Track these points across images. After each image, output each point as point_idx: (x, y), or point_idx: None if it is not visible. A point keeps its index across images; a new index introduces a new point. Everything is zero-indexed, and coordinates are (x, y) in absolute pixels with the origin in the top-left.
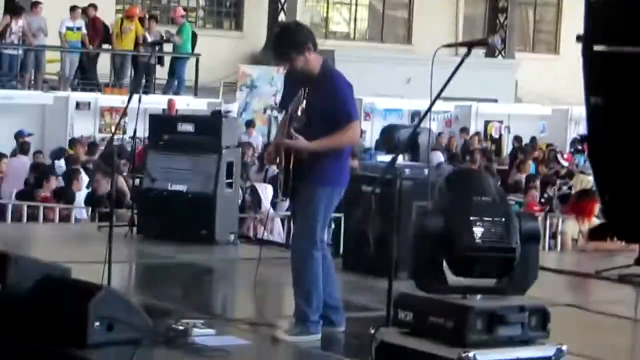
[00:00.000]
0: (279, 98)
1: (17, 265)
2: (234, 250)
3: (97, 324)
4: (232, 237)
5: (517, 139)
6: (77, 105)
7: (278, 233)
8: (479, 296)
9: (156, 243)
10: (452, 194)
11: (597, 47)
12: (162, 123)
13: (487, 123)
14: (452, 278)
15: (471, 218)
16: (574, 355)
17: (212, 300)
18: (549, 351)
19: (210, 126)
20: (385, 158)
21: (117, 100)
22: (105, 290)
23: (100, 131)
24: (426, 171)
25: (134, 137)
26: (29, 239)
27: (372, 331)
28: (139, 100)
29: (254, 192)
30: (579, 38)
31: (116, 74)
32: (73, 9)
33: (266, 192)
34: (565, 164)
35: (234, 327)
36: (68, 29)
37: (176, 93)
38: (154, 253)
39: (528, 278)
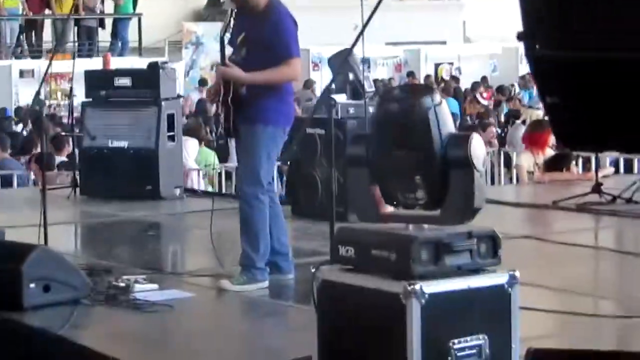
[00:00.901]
0: None
1: None
2: (180, 205)
3: (32, 285)
4: (177, 191)
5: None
6: (21, 73)
7: None
8: (426, 226)
9: (100, 202)
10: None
11: None
12: (98, 79)
13: (437, 66)
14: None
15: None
16: (535, 285)
17: (157, 255)
18: (502, 278)
19: (147, 79)
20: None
21: (61, 65)
22: (39, 250)
23: (46, 98)
24: (370, 109)
25: (70, 95)
26: None
27: (313, 270)
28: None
29: None
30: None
31: (58, 39)
32: None
33: (187, 145)
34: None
35: (178, 280)
36: None
37: (120, 55)
38: (98, 212)
39: (465, 207)
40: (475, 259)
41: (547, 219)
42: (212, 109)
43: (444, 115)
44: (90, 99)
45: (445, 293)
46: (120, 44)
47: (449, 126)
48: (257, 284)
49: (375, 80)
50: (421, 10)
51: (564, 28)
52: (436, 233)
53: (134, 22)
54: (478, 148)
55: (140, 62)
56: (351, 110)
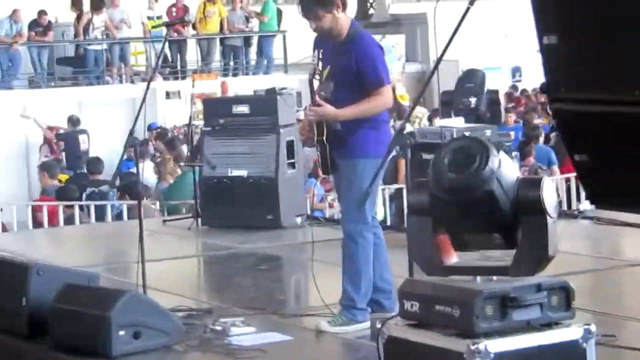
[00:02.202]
0: None
1: (40, 276)
2: (302, 234)
3: (121, 332)
4: (299, 219)
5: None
6: (167, 94)
7: None
8: (494, 278)
9: (220, 233)
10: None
11: None
12: (216, 107)
13: None
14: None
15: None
16: None
17: (264, 292)
18: (575, 333)
19: (265, 105)
20: (446, 122)
21: (207, 85)
22: (129, 295)
23: (193, 119)
24: (488, 132)
25: (189, 125)
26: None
27: (379, 325)
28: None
29: None
30: None
31: (203, 59)
32: None
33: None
34: None
35: (279, 321)
36: (149, 18)
37: (266, 72)
38: (216, 245)
39: (537, 256)
40: (545, 312)
41: None
42: None
43: (507, 173)
44: (209, 128)
45: (513, 352)
46: (265, 62)
47: (514, 175)
48: (357, 325)
49: (522, 90)
50: None
51: (588, 81)
52: (502, 286)
53: (279, 39)
54: (550, 192)
55: (286, 80)
56: (467, 135)
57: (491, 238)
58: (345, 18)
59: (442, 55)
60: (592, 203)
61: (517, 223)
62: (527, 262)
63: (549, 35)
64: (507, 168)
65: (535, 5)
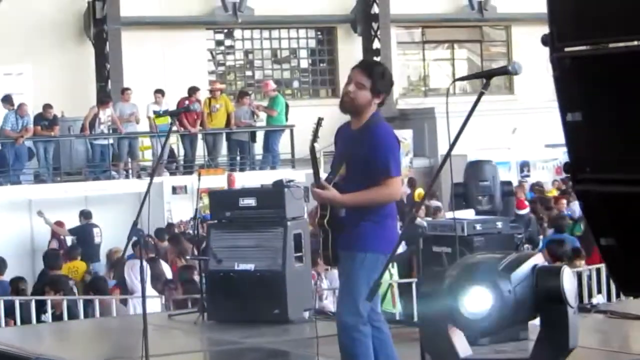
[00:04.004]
0: None
1: None
2: (309, 329)
3: None
4: (306, 314)
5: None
6: (174, 189)
7: None
8: None
9: (227, 327)
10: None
11: (570, 49)
12: (223, 199)
13: None
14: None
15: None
16: None
17: None
18: None
19: (272, 198)
20: (458, 214)
21: (214, 180)
22: None
23: (199, 213)
24: (500, 224)
25: (194, 218)
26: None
27: None
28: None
29: None
30: (544, 41)
31: (210, 153)
32: (156, 92)
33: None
34: None
35: None
36: (155, 113)
37: (272, 167)
38: (222, 339)
39: (556, 348)
40: None
41: None
42: None
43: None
44: (215, 221)
45: None
46: (271, 157)
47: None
48: None
49: (533, 185)
50: None
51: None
52: None
53: (287, 134)
54: (570, 282)
55: (293, 174)
56: (478, 227)
57: None
58: (374, 109)
59: (452, 148)
60: (621, 290)
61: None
62: (548, 354)
63: (573, 112)
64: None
65: (558, 81)
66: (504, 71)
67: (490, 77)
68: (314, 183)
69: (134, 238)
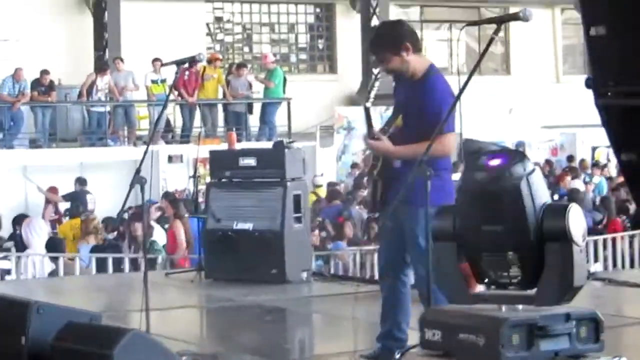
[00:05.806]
0: None
1: (39, 313)
2: (307, 289)
3: None
4: (304, 275)
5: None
6: (170, 158)
7: None
8: (520, 306)
9: (225, 286)
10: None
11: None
12: (223, 159)
13: (594, 149)
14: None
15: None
16: None
17: (269, 342)
18: None
19: (273, 158)
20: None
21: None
22: (131, 334)
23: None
24: None
25: (194, 176)
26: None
27: (397, 356)
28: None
29: None
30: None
31: (206, 124)
32: (154, 61)
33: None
34: None
35: None
36: (152, 82)
37: (269, 139)
38: (221, 296)
39: (563, 285)
40: (574, 343)
41: None
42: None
43: (538, 185)
44: (215, 180)
45: None
46: (267, 129)
47: (544, 196)
48: None
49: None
50: (577, 93)
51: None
52: (530, 315)
53: (283, 107)
54: (577, 220)
55: None
56: None
57: (511, 275)
58: (417, 60)
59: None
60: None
61: (540, 256)
62: (552, 290)
63: (597, 26)
64: (539, 181)
65: None
66: (515, 17)
67: (501, 23)
68: (366, 134)
69: (137, 185)
